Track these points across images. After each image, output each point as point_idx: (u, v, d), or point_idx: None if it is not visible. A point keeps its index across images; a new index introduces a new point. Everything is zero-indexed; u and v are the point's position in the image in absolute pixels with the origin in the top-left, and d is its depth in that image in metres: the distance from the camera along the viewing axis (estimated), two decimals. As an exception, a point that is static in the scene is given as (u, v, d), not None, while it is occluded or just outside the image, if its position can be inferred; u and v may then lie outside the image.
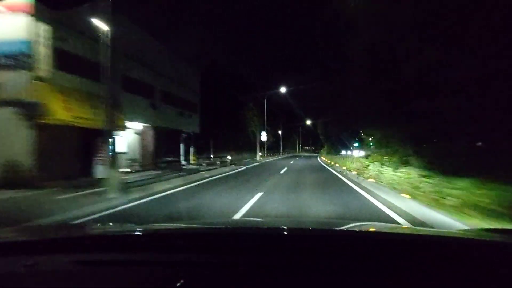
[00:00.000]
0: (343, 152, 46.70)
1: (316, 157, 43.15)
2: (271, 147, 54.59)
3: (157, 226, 2.02)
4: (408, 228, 3.00)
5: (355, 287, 0.91)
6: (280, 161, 29.67)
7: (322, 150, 51.46)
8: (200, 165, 20.70)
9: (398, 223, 4.68)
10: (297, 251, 1.09)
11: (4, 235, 1.43)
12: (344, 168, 15.26)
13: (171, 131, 18.22)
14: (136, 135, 15.78)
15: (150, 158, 16.12)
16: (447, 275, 0.94)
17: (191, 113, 21.06)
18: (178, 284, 0.88)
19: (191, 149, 21.99)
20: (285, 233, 1.39)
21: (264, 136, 36.88)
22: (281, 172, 15.85)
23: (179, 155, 19.78)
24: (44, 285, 1.00)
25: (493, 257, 1.02)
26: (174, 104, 18.39)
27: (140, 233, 1.40)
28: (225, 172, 15.81)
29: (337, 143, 53.48)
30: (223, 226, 1.86)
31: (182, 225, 2.05)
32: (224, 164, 19.76)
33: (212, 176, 13.34)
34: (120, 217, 5.77)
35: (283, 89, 35.93)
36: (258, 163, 25.52)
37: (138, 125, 15.31)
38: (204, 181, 11.77)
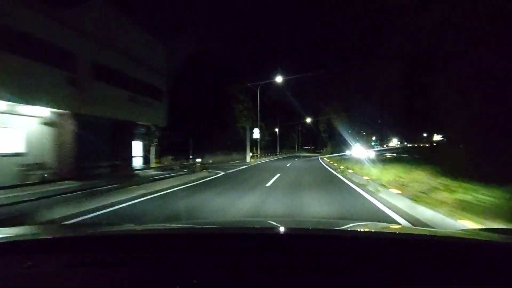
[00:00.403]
0: (348, 152, 41.63)
1: (317, 157, 37.75)
2: (267, 147, 49.31)
3: (156, 226, 1.94)
4: (408, 228, 3.04)
5: (355, 287, 0.92)
6: (275, 164, 24.31)
7: (324, 150, 46.08)
8: (165, 170, 15.34)
9: (398, 223, 4.52)
10: (297, 251, 1.09)
11: (2, 235, 1.32)
12: (366, 178, 9.85)
13: (116, 123, 12.84)
14: (45, 127, 10.40)
15: (72, 162, 10.74)
16: (447, 275, 0.94)
17: (152, 100, 15.66)
18: (177, 286, 0.90)
19: (152, 149, 16.56)
20: (285, 233, 1.38)
21: (256, 134, 31.53)
22: (270, 182, 10.51)
23: (130, 156, 14.33)
24: (43, 285, 0.99)
25: (492, 257, 1.02)
26: (120, 85, 13.04)
27: (140, 234, 1.40)
28: (184, 184, 10.44)
29: (341, 142, 48.67)
30: (223, 226, 1.84)
31: (182, 225, 2.05)
32: (191, 170, 14.39)
33: (154, 194, 8.03)
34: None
35: (279, 79, 30.56)
36: (245, 167, 20.17)
37: (44, 111, 9.93)
38: (129, 203, 6.48)
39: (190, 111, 27.70)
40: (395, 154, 31.53)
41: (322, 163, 24.41)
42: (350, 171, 12.74)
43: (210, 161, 25.97)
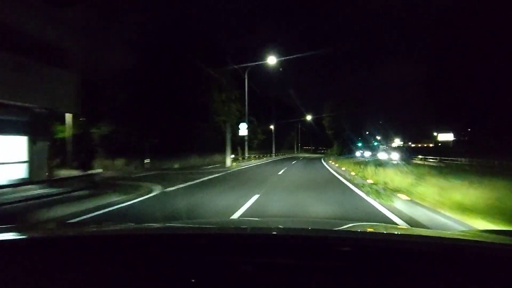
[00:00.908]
0: (358, 154, 34.81)
1: (320, 159, 30.99)
2: (262, 146, 42.63)
3: (156, 225, 1.85)
4: (407, 229, 3.01)
5: (354, 286, 0.92)
6: (263, 170, 17.56)
7: (329, 150, 38.47)
8: (54, 187, 8.58)
9: (395, 223, 4.33)
10: (296, 251, 1.09)
11: (1, 234, 1.29)
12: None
13: None
14: None
15: None
16: (446, 276, 0.95)
17: (40, 66, 8.90)
18: (177, 286, 0.91)
19: (42, 149, 9.68)
20: (284, 233, 1.37)
21: (243, 130, 24.79)
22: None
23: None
24: (42, 284, 0.98)
25: (492, 258, 1.01)
26: None
27: (139, 233, 1.39)
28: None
29: (349, 141, 41.59)
30: (223, 226, 1.84)
31: (182, 225, 2.02)
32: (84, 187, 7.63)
33: None
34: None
35: (271, 59, 23.79)
36: (215, 176, 13.38)
37: None
38: None
39: (154, 101, 20.92)
40: (432, 158, 24.21)
41: (329, 168, 17.59)
42: (401, 196, 5.91)
43: (176, 166, 19.28)
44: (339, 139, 39.09)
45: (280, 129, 51.80)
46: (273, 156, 38.82)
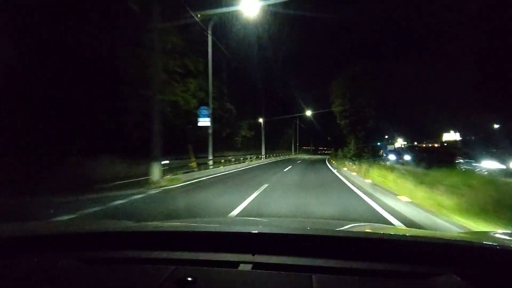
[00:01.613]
0: (392, 157, 24.99)
1: (326, 164, 21.59)
2: (252, 145, 33.42)
3: (156, 224, 1.84)
4: (407, 229, 3.00)
5: (353, 287, 0.92)
6: (213, 196, 8.10)
7: (340, 151, 27.39)
8: None
9: (394, 225, 4.31)
10: (296, 251, 1.08)
11: (1, 233, 1.31)
12: None
13: None
14: None
15: None
16: (445, 277, 0.93)
17: None
18: (177, 284, 0.89)
19: None
20: (285, 232, 1.37)
21: (205, 119, 15.33)
22: None
23: None
24: (42, 282, 0.96)
25: (490, 259, 1.00)
26: None
27: (139, 231, 1.38)
28: None
29: (376, 136, 30.86)
30: (223, 225, 1.79)
31: (182, 223, 2.00)
32: None
33: None
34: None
35: (247, 7, 14.21)
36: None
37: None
38: None
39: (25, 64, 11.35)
40: None
41: (363, 196, 8.11)
42: None
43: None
44: (359, 133, 27.28)
45: (276, 126, 42.49)
46: (262, 159, 29.20)
